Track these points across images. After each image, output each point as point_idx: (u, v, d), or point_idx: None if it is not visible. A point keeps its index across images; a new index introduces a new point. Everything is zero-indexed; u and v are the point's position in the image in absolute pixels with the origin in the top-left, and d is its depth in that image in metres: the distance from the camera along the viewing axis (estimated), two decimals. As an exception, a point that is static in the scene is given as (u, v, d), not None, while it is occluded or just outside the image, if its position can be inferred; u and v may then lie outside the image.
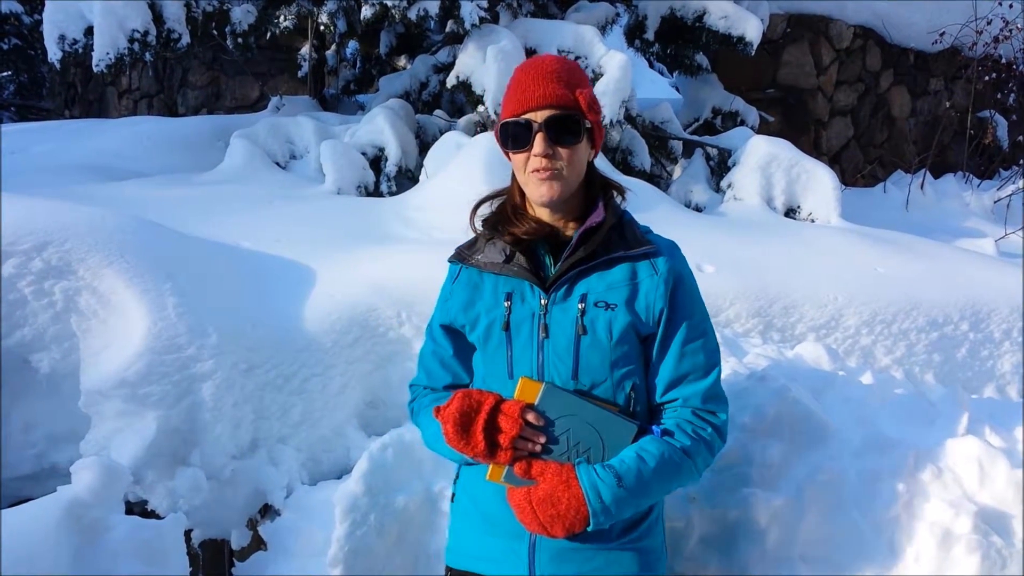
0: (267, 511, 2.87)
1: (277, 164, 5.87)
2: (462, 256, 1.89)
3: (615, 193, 1.87)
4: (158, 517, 2.57)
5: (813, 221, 5.33)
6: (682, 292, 1.80)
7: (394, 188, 5.52)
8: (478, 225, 1.88)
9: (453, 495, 1.94)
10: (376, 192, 5.54)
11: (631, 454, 1.70)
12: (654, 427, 1.76)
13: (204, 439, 2.75)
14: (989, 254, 5.31)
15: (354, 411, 3.10)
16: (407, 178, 5.64)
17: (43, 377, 2.82)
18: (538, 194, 1.75)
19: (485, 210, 1.91)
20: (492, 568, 1.81)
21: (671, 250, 1.85)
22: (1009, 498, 2.14)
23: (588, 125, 1.76)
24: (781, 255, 4.23)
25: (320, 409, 3.03)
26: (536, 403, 1.67)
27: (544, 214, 1.81)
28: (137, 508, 2.63)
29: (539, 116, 1.71)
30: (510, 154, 1.78)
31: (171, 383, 2.74)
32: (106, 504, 2.25)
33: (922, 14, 8.58)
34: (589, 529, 1.66)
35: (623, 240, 1.81)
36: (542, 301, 1.77)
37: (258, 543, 2.81)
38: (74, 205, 3.18)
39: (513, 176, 1.86)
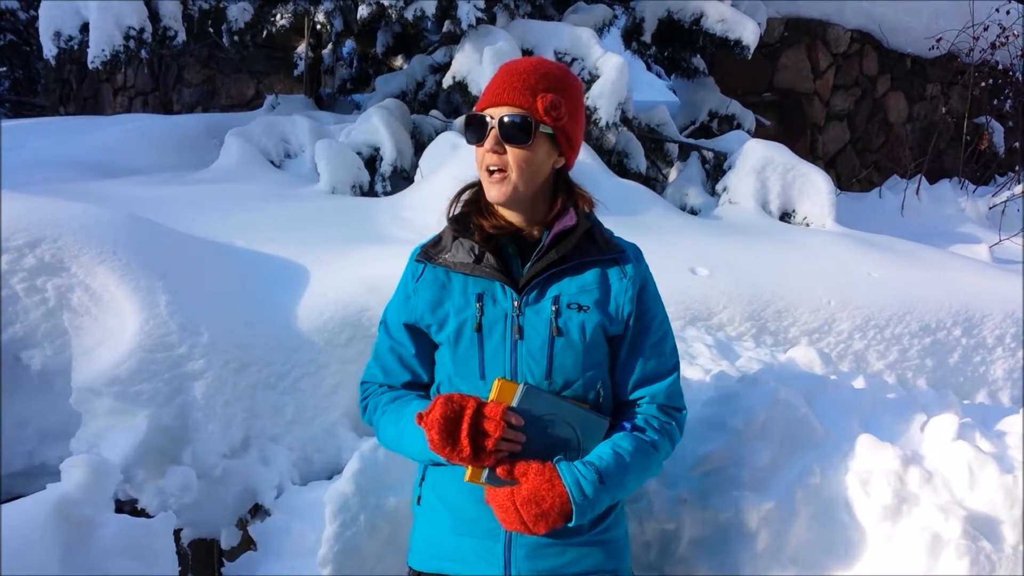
0: (257, 511, 2.87)
1: (272, 163, 5.85)
2: (428, 255, 1.89)
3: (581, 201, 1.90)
4: (148, 516, 2.57)
5: (808, 225, 5.34)
6: (647, 295, 1.88)
7: (389, 188, 5.51)
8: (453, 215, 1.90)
9: (419, 497, 1.92)
10: (371, 192, 5.53)
11: (608, 450, 1.76)
12: (624, 423, 1.83)
13: (195, 438, 2.74)
14: (983, 260, 5.32)
15: (346, 411, 3.09)
16: (402, 178, 5.62)
17: (35, 374, 2.81)
18: (487, 192, 1.79)
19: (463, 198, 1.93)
20: (464, 568, 1.82)
21: (636, 254, 1.92)
22: (999, 503, 2.15)
23: (547, 130, 1.77)
24: (775, 259, 4.23)
25: (312, 409, 3.03)
26: (515, 404, 1.68)
27: (508, 215, 1.84)
28: (127, 506, 2.62)
29: (495, 113, 1.75)
30: (473, 147, 1.82)
31: (162, 381, 2.73)
32: (96, 502, 2.25)
33: (920, 19, 8.59)
34: (571, 525, 1.69)
35: (594, 244, 1.86)
36: (514, 303, 1.79)
37: (248, 543, 2.81)
38: (68, 202, 3.18)
39: None
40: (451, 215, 1.91)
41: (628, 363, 1.86)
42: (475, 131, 1.78)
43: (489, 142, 1.75)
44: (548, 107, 1.74)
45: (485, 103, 1.78)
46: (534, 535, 1.71)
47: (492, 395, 1.70)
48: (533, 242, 1.83)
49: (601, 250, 1.85)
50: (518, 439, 1.69)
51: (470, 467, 1.69)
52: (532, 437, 1.70)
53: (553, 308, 1.78)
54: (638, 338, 1.86)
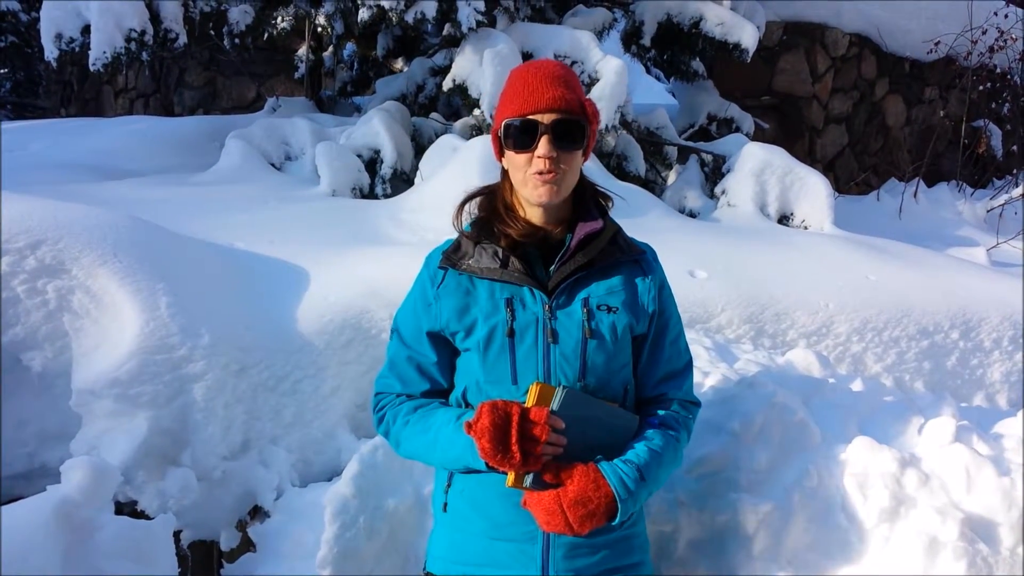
0: (257, 512, 2.87)
1: (272, 165, 5.86)
2: (451, 261, 1.86)
3: (604, 201, 1.94)
4: (148, 518, 2.57)
5: (806, 228, 5.35)
6: (665, 295, 1.94)
7: (389, 190, 5.52)
8: (464, 223, 1.90)
9: (445, 504, 1.90)
10: (371, 194, 5.54)
11: (642, 446, 1.79)
12: (651, 419, 1.87)
13: (195, 440, 2.75)
14: (981, 263, 5.33)
15: (345, 413, 3.10)
16: (402, 180, 5.64)
17: (35, 376, 2.82)
18: (537, 195, 1.77)
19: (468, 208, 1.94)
20: (498, 572, 1.81)
21: (654, 255, 1.97)
22: (996, 505, 2.15)
23: (588, 132, 1.79)
24: (773, 262, 4.24)
25: (312, 411, 3.03)
26: (555, 407, 1.68)
27: (535, 216, 1.84)
28: (127, 508, 2.63)
29: (545, 118, 1.74)
30: (511, 153, 1.79)
31: (163, 383, 2.74)
32: (96, 504, 2.26)
33: (918, 23, 8.62)
34: (614, 523, 1.72)
35: (617, 247, 1.88)
36: (545, 306, 1.79)
37: (247, 544, 2.81)
38: (69, 204, 3.18)
39: (504, 175, 1.88)
40: (467, 222, 1.90)
41: (650, 361, 1.91)
42: (522, 136, 1.75)
43: (545, 147, 1.73)
44: (595, 110, 1.80)
45: (527, 107, 1.75)
46: (577, 536, 1.71)
47: (530, 399, 1.68)
48: (555, 243, 1.84)
49: (624, 252, 1.88)
50: (560, 443, 1.68)
51: (514, 472, 1.67)
52: (571, 439, 1.70)
53: (584, 310, 1.80)
54: (659, 337, 1.91)
